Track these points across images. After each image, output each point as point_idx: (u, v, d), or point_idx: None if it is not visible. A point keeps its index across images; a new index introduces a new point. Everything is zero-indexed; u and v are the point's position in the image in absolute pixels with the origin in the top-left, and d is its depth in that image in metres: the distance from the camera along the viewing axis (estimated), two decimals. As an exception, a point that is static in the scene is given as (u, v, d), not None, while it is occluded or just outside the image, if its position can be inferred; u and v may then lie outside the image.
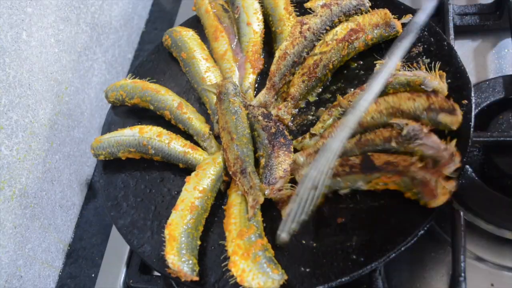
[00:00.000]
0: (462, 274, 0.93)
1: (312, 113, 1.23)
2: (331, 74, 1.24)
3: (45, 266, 1.33)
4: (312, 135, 1.16)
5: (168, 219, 1.07)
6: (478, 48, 1.38)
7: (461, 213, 0.98)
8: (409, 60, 1.17)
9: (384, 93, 1.11)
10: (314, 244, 1.01)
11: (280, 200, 1.08)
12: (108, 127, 1.37)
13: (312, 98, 1.25)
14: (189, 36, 1.42)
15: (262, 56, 1.35)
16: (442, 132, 1.02)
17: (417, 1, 1.52)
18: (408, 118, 1.04)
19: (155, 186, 1.23)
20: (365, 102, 1.00)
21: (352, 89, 1.20)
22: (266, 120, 1.19)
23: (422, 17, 1.13)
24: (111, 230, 1.40)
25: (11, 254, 1.21)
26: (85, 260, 1.40)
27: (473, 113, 1.03)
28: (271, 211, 1.09)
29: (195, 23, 1.48)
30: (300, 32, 1.25)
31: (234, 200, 1.08)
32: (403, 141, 1.00)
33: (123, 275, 1.28)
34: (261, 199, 1.04)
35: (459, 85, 1.08)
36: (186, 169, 1.20)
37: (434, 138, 0.98)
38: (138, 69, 1.46)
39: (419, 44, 1.19)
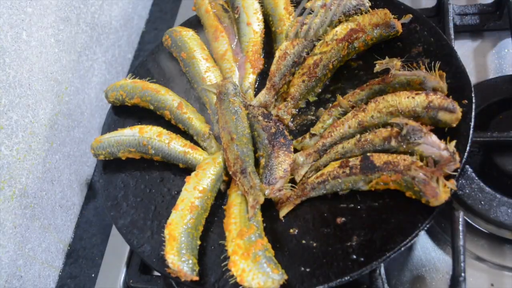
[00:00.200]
0: (462, 274, 0.93)
1: (312, 113, 1.23)
2: (331, 74, 1.24)
3: (45, 266, 1.33)
4: (312, 135, 1.16)
5: (168, 219, 1.07)
6: (478, 48, 1.38)
7: (461, 213, 0.98)
8: (409, 60, 1.17)
9: (384, 92, 1.11)
10: (314, 244, 1.01)
11: (280, 200, 1.08)
12: (108, 127, 1.37)
13: (312, 98, 1.25)
14: (189, 36, 1.42)
15: (262, 56, 1.35)
16: (442, 132, 1.02)
17: (417, 1, 1.52)
18: (407, 116, 1.04)
19: (155, 186, 1.23)
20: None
21: (352, 89, 1.20)
22: (266, 120, 1.19)
23: None
24: (111, 230, 1.40)
25: (11, 254, 1.21)
26: (85, 260, 1.40)
27: (473, 113, 1.03)
28: (271, 211, 1.09)
29: (195, 23, 1.48)
30: (301, 33, 1.25)
31: (234, 200, 1.08)
32: (403, 141, 1.00)
33: (123, 275, 1.27)
34: (261, 199, 1.04)
35: (459, 85, 1.08)
36: (186, 169, 1.20)
37: (434, 137, 0.98)
38: (138, 69, 1.46)
39: (419, 44, 1.19)
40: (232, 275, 0.96)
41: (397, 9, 1.27)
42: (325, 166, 1.09)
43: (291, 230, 1.05)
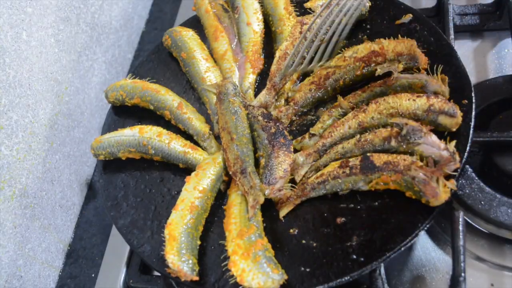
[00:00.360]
0: (462, 274, 0.93)
1: (312, 113, 1.23)
2: (339, 90, 1.20)
3: (45, 266, 1.33)
4: (312, 135, 1.16)
5: (168, 219, 1.07)
6: (478, 48, 1.38)
7: (461, 213, 0.98)
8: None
9: (385, 94, 1.11)
10: (314, 244, 1.01)
11: (280, 200, 1.08)
12: (108, 127, 1.37)
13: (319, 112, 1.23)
14: (189, 36, 1.42)
15: (262, 56, 1.35)
16: (442, 132, 1.02)
17: (417, 1, 1.52)
18: (408, 118, 1.04)
19: (155, 186, 1.23)
20: None
21: (353, 91, 1.19)
22: (266, 120, 1.19)
23: None
24: (111, 230, 1.40)
25: (11, 254, 1.21)
26: (85, 260, 1.40)
27: (473, 113, 1.03)
28: (271, 211, 1.09)
29: (195, 23, 1.48)
30: (300, 32, 1.24)
31: (234, 200, 1.08)
32: (402, 141, 1.00)
33: (123, 275, 1.28)
34: (262, 199, 1.04)
35: (459, 85, 1.08)
36: (186, 169, 1.20)
37: (434, 137, 0.98)
38: (138, 69, 1.46)
39: (419, 44, 1.19)
40: (232, 275, 0.96)
41: (397, 9, 1.27)
42: (325, 166, 1.09)
43: (291, 230, 1.05)
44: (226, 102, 1.21)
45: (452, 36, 1.27)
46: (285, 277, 0.94)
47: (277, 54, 1.26)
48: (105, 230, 1.42)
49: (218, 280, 1.01)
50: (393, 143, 1.02)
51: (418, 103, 1.03)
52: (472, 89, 1.07)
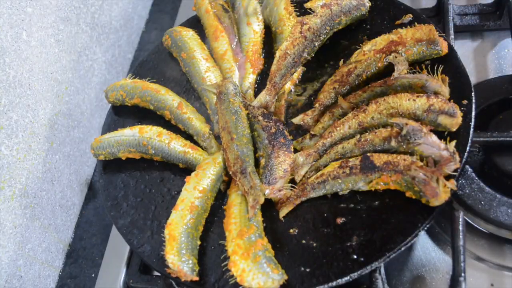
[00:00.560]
0: (462, 274, 0.93)
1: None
2: (363, 85, 1.18)
3: (45, 266, 1.33)
4: (312, 135, 1.16)
5: (168, 219, 1.07)
6: (478, 48, 1.38)
7: (461, 213, 0.98)
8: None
9: (385, 94, 1.11)
10: (314, 244, 1.01)
11: (280, 200, 1.08)
12: (108, 127, 1.37)
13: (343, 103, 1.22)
14: (189, 36, 1.42)
15: (262, 56, 1.35)
16: (442, 132, 1.02)
17: (417, 1, 1.52)
18: (408, 118, 1.04)
19: (155, 186, 1.23)
20: None
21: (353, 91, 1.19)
22: (266, 120, 1.19)
23: None
24: (111, 230, 1.40)
25: (11, 254, 1.21)
26: (85, 260, 1.40)
27: (473, 113, 1.03)
28: (271, 211, 1.09)
29: (195, 23, 1.48)
30: (300, 32, 1.25)
31: (234, 200, 1.08)
32: (403, 141, 1.00)
33: (123, 275, 1.27)
34: (262, 199, 1.04)
35: (459, 85, 1.08)
36: (186, 169, 1.20)
37: (434, 137, 0.98)
38: (138, 69, 1.46)
39: (419, 44, 1.19)
40: (232, 275, 0.96)
41: (397, 9, 1.27)
42: (325, 166, 1.09)
43: (291, 230, 1.05)
44: (226, 102, 1.21)
45: (452, 36, 1.27)
46: (285, 277, 0.94)
47: (277, 54, 1.26)
48: (105, 230, 1.42)
49: (218, 280, 1.01)
50: (393, 143, 1.02)
51: (418, 103, 1.03)
52: (472, 89, 1.07)
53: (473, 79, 1.17)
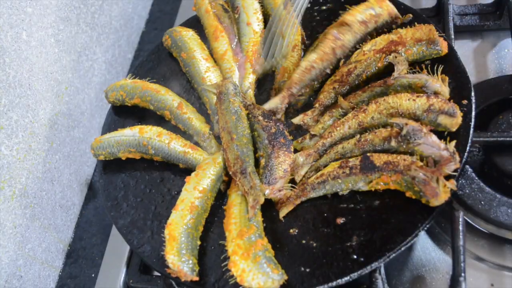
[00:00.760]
0: (462, 274, 0.93)
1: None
2: (363, 85, 1.17)
3: (45, 266, 1.33)
4: (312, 135, 1.16)
5: (168, 219, 1.07)
6: (478, 48, 1.38)
7: (461, 213, 0.98)
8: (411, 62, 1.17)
9: (385, 94, 1.11)
10: (314, 244, 1.01)
11: (280, 200, 1.08)
12: (108, 127, 1.37)
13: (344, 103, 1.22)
14: (189, 36, 1.42)
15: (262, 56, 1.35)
16: (442, 132, 1.02)
17: (417, 1, 1.52)
18: (408, 118, 1.04)
19: (155, 186, 1.23)
20: None
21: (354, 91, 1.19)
22: (266, 120, 1.19)
23: None
24: (111, 230, 1.40)
25: (11, 254, 1.21)
26: (85, 260, 1.40)
27: (473, 113, 1.03)
28: (271, 211, 1.09)
29: (195, 23, 1.48)
30: (333, 49, 1.20)
31: (234, 200, 1.08)
32: (403, 141, 1.00)
33: (123, 275, 1.27)
34: (262, 199, 1.04)
35: (459, 85, 1.08)
36: (186, 169, 1.20)
37: (434, 137, 0.98)
38: (138, 69, 1.46)
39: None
40: (232, 275, 0.96)
41: (397, 9, 1.27)
42: (325, 166, 1.09)
43: (291, 230, 1.05)
44: (226, 102, 1.21)
45: (452, 36, 1.27)
46: (285, 277, 0.94)
47: (303, 64, 1.21)
48: (105, 230, 1.42)
49: (218, 280, 1.01)
50: (393, 143, 1.02)
51: (418, 103, 1.03)
52: (472, 89, 1.07)
53: (473, 79, 1.17)
